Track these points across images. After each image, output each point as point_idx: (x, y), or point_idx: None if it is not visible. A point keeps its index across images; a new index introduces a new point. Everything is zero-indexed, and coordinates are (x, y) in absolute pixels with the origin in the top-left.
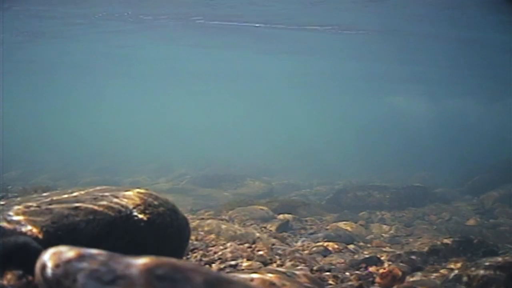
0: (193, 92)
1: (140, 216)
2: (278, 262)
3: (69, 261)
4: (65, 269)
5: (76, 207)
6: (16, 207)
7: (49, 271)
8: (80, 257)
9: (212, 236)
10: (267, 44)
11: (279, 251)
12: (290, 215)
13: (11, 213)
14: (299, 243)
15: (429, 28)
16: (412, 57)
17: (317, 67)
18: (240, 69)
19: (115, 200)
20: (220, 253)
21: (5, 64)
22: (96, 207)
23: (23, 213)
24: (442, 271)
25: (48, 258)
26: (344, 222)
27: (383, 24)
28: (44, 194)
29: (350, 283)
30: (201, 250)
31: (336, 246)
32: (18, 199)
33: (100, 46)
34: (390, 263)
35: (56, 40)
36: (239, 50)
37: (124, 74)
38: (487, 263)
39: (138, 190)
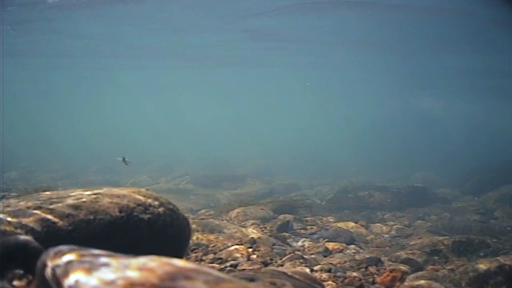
0: (194, 91)
1: (141, 216)
2: (279, 262)
3: (70, 261)
4: (66, 269)
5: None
6: None
7: (49, 271)
8: (81, 257)
9: (213, 236)
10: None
11: (280, 251)
12: (290, 215)
13: None
14: (299, 243)
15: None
16: (420, 58)
17: (318, 65)
18: (241, 67)
19: (116, 200)
20: (220, 253)
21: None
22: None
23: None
24: (442, 271)
25: (49, 258)
26: (345, 222)
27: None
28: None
29: (350, 283)
30: (202, 250)
31: (336, 246)
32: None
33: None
34: (390, 263)
35: (56, 36)
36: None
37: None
38: (487, 263)
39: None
